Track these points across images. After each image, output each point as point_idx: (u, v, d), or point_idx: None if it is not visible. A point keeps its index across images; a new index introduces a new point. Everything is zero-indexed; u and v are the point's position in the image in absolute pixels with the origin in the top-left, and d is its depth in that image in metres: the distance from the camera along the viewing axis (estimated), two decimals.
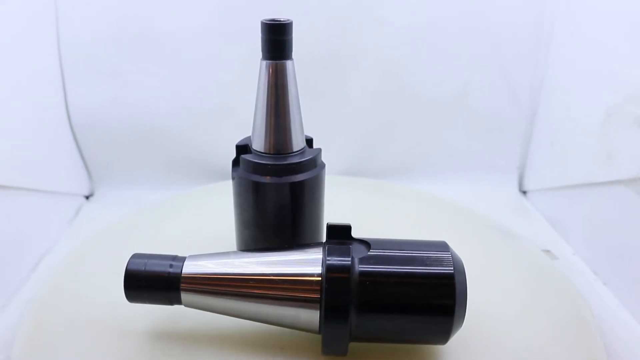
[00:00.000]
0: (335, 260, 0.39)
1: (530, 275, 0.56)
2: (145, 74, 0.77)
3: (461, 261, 0.41)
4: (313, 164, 0.49)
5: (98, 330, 0.46)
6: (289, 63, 0.46)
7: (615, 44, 0.63)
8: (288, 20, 0.45)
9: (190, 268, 0.41)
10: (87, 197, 0.82)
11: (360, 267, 0.39)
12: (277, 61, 0.46)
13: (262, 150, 0.48)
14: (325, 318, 0.38)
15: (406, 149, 0.86)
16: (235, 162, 0.50)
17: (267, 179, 0.47)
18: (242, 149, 0.50)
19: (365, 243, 0.41)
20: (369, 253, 0.40)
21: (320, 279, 0.39)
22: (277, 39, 0.45)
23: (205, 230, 0.61)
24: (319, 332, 0.40)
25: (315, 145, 0.52)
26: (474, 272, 0.53)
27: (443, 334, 0.39)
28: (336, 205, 0.60)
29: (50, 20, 0.72)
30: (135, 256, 0.42)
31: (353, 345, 0.41)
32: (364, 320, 0.38)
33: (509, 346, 0.45)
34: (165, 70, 0.77)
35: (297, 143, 0.49)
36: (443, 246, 0.41)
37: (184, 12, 0.74)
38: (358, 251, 0.40)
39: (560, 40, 0.77)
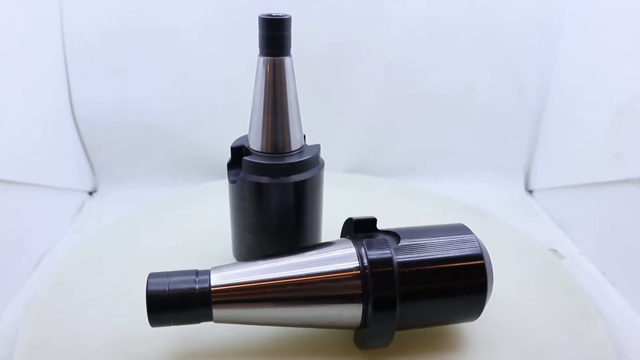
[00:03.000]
0: (376, 254, 0.39)
1: (536, 275, 0.55)
2: (149, 71, 0.77)
3: (481, 241, 0.42)
4: (316, 161, 0.49)
5: (100, 328, 0.45)
6: (287, 59, 0.45)
7: (624, 43, 0.63)
8: (286, 15, 0.43)
9: (219, 280, 0.39)
10: (90, 193, 0.81)
11: (397, 258, 0.39)
12: (275, 57, 0.44)
13: (264, 150, 0.47)
14: (373, 311, 0.38)
15: (412, 147, 0.86)
16: (232, 165, 0.49)
17: (276, 180, 0.46)
18: (238, 150, 0.49)
19: (392, 234, 0.42)
20: (401, 243, 0.40)
21: (359, 272, 0.39)
22: (275, 35, 0.44)
23: (209, 228, 0.60)
24: (360, 327, 0.41)
25: (317, 142, 0.52)
26: None
27: (477, 310, 0.42)
28: (341, 202, 0.60)
29: (55, 17, 0.72)
30: (153, 276, 0.39)
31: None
32: (406, 309, 0.39)
33: (516, 345, 0.45)
34: (169, 68, 0.77)
35: (299, 140, 0.48)
36: (464, 229, 0.43)
37: (189, 10, 0.74)
38: (390, 242, 0.41)
39: (568, 38, 0.76)
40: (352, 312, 0.39)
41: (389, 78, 0.81)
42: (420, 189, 0.77)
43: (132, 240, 0.60)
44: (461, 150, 0.86)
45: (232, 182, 0.48)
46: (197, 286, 0.38)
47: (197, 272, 0.39)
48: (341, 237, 0.48)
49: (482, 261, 0.41)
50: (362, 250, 0.40)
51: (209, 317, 0.39)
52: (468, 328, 0.46)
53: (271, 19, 0.43)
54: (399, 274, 0.39)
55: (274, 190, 0.46)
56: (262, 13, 0.43)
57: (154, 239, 0.60)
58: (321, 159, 0.50)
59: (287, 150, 0.47)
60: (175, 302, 0.38)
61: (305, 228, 0.50)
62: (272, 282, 0.39)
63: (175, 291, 0.38)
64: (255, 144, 0.47)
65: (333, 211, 0.55)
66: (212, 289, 0.38)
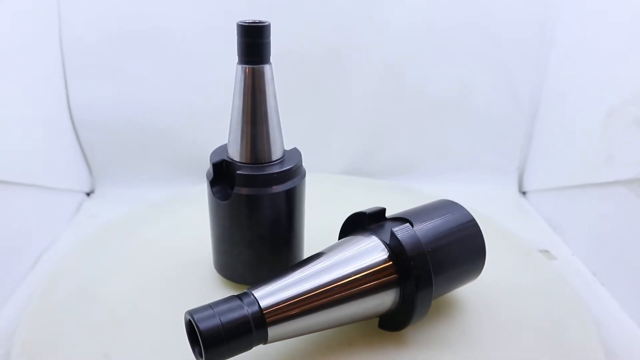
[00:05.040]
0: (408, 239, 0.41)
1: (527, 276, 0.56)
2: (147, 72, 0.77)
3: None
4: (302, 166, 0.49)
5: (97, 327, 0.46)
6: (267, 67, 0.44)
7: (616, 46, 0.63)
8: (265, 22, 0.42)
9: (267, 300, 0.38)
10: (88, 194, 0.82)
11: (422, 239, 0.43)
12: (254, 66, 0.43)
13: (248, 161, 0.46)
14: (417, 290, 0.41)
15: (407, 148, 0.86)
16: (215, 181, 0.47)
17: (274, 189, 0.45)
18: (220, 166, 0.47)
19: (402, 219, 0.46)
20: (417, 227, 0.44)
21: (392, 258, 0.42)
22: (254, 42, 0.42)
23: (207, 228, 0.61)
24: (394, 310, 0.43)
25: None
26: None
27: (480, 268, 0.48)
28: (336, 204, 0.60)
29: (53, 18, 0.72)
30: (196, 312, 0.36)
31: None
32: (436, 282, 0.43)
33: (507, 346, 0.46)
34: (167, 69, 0.78)
35: (281, 149, 0.48)
36: (455, 204, 0.49)
37: (187, 11, 0.74)
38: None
39: (561, 41, 0.77)
40: (390, 298, 0.42)
41: (386, 80, 0.81)
42: (414, 190, 0.77)
43: (129, 241, 0.60)
44: (456, 152, 0.87)
45: (223, 199, 0.46)
46: (248, 311, 0.37)
47: (238, 297, 0.38)
48: (341, 232, 0.49)
49: (479, 229, 0.47)
50: (390, 238, 0.42)
51: (263, 340, 0.38)
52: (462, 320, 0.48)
53: (250, 26, 0.42)
54: (426, 253, 0.42)
55: (272, 200, 0.45)
56: (240, 20, 0.43)
57: (151, 240, 0.60)
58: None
59: (272, 159, 0.46)
60: (232, 333, 0.36)
61: (297, 232, 0.50)
62: (318, 289, 0.39)
63: (229, 322, 0.36)
64: (239, 155, 0.46)
65: (328, 212, 0.56)
66: (264, 310, 0.37)
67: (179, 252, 0.57)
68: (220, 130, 0.79)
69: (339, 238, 0.50)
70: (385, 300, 0.42)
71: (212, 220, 0.49)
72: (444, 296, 0.50)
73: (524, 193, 0.86)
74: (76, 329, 0.46)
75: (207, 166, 0.48)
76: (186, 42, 0.76)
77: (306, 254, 0.52)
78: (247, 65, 0.43)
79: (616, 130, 0.62)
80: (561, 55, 0.77)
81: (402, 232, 0.42)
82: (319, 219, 0.55)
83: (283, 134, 0.48)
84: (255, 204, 0.45)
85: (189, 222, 0.64)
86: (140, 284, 0.52)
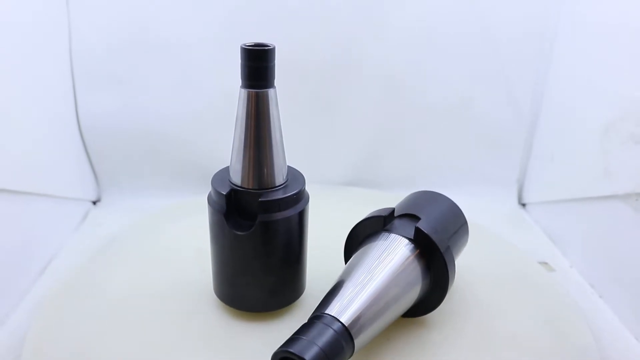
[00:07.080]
0: (432, 232, 0.46)
1: (526, 287, 0.57)
2: (153, 81, 0.78)
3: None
4: (304, 191, 0.49)
5: (104, 335, 0.47)
6: (271, 91, 0.42)
7: (614, 61, 0.65)
8: (270, 45, 0.41)
9: (345, 316, 0.40)
10: (94, 203, 0.83)
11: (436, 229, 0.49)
12: (258, 90, 0.41)
13: (260, 186, 0.44)
14: (449, 271, 0.45)
15: (406, 160, 0.87)
16: (229, 213, 0.45)
17: (293, 210, 0.45)
18: (230, 196, 0.45)
19: (410, 215, 0.49)
20: (427, 218, 0.48)
21: (418, 248, 0.46)
22: (257, 66, 0.40)
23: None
24: (426, 294, 0.47)
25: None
26: (471, 282, 0.55)
27: (467, 237, 0.55)
28: (337, 215, 0.61)
29: (62, 28, 0.74)
30: (290, 346, 0.37)
31: None
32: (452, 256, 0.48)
33: (505, 358, 0.46)
34: (173, 78, 0.79)
35: (286, 169, 0.47)
36: (436, 193, 0.55)
37: (193, 21, 0.76)
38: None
39: (561, 55, 0.78)
40: (426, 283, 0.46)
41: (386, 91, 0.82)
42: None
43: (136, 250, 0.61)
44: (456, 163, 0.87)
45: (245, 229, 0.44)
46: (336, 331, 0.38)
47: (316, 320, 0.39)
48: (350, 237, 0.51)
49: (458, 207, 0.54)
50: (414, 233, 0.46)
51: (350, 353, 0.39)
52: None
53: (253, 49, 0.40)
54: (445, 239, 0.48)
55: (289, 223, 0.45)
56: (244, 43, 0.41)
57: (158, 248, 0.61)
58: None
59: (281, 182, 0.46)
60: (332, 355, 0.37)
61: (306, 247, 0.50)
62: (379, 293, 0.42)
63: (326, 345, 0.37)
64: (247, 181, 0.44)
65: (329, 224, 0.57)
66: (346, 325, 0.39)
67: (189, 259, 0.58)
68: (226, 140, 0.80)
69: (346, 243, 0.52)
70: (422, 285, 0.46)
71: (226, 254, 0.46)
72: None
73: (523, 205, 0.87)
74: (84, 337, 0.46)
75: (212, 175, 0.47)
76: (193, 51, 0.77)
77: (309, 265, 0.53)
78: (251, 90, 0.41)
79: (613, 145, 0.63)
80: (561, 68, 0.78)
81: (423, 226, 0.46)
82: (319, 230, 0.56)
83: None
84: (280, 230, 0.45)
85: (194, 231, 0.65)
86: (145, 293, 0.53)
